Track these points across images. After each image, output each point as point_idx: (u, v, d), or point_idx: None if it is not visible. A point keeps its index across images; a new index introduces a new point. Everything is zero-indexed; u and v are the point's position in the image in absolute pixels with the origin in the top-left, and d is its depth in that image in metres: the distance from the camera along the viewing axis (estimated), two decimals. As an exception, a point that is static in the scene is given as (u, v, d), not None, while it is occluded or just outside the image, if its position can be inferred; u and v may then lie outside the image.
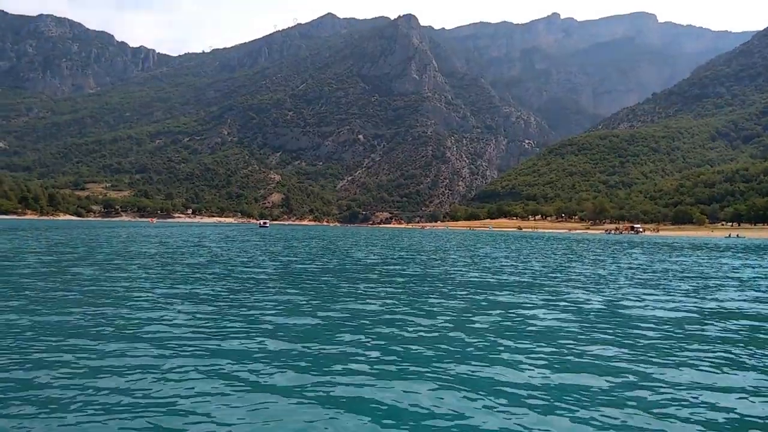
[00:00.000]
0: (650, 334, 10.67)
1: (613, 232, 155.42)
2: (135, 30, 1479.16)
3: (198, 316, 11.58)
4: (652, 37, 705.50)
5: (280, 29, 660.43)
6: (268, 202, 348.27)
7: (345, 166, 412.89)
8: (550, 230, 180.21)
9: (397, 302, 14.09)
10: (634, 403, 6.70)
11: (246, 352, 8.72)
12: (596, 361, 8.57)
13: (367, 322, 11.38)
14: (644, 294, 16.62)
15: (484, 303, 14.30)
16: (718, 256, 41.91)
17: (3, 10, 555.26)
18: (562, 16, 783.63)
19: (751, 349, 9.65)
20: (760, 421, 6.32)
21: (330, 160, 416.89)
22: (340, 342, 9.51)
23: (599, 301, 14.88)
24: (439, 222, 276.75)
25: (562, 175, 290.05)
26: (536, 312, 12.89)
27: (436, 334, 10.31)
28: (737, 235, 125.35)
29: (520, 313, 12.69)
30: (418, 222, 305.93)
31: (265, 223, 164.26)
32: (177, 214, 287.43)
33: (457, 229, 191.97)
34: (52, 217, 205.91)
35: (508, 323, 11.49)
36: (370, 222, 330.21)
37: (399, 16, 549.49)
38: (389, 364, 8.17)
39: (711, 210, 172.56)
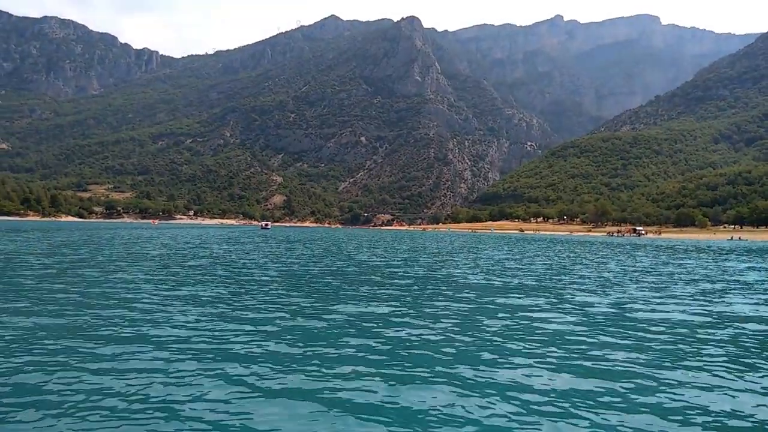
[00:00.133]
0: (661, 337, 10.55)
1: (615, 234, 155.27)
2: (138, 32, 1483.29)
3: (201, 318, 11.53)
4: (655, 39, 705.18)
5: (283, 31, 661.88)
6: (270, 204, 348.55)
7: (347, 167, 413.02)
8: (552, 232, 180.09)
9: (402, 305, 14.02)
10: (648, 408, 6.61)
11: (251, 354, 8.63)
12: (608, 365, 8.46)
13: (373, 325, 11.29)
14: (651, 297, 16.51)
15: (490, 306, 14.22)
16: (723, 258, 41.75)
17: (7, 12, 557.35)
18: (565, 18, 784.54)
19: (765, 353, 9.54)
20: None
21: (332, 162, 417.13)
22: (346, 345, 9.42)
23: (606, 305, 14.78)
24: (440, 224, 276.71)
25: (564, 178, 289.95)
26: (543, 315, 12.79)
27: (444, 337, 10.20)
28: (739, 238, 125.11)
29: (527, 316, 12.59)
30: (419, 224, 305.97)
31: (266, 224, 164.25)
32: (179, 216, 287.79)
33: (458, 231, 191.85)
34: (54, 219, 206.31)
35: (517, 327, 11.37)
36: (372, 224, 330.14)
37: (402, 18, 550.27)
38: (397, 368, 8.07)
39: (713, 212, 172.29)
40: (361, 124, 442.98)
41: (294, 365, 8.10)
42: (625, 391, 7.23)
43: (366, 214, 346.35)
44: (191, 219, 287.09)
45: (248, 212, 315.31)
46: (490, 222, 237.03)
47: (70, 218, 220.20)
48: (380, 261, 31.68)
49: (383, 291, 16.96)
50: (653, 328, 11.47)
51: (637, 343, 10.04)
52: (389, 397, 6.81)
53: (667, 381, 7.71)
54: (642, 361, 8.74)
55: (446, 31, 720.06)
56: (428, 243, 68.43)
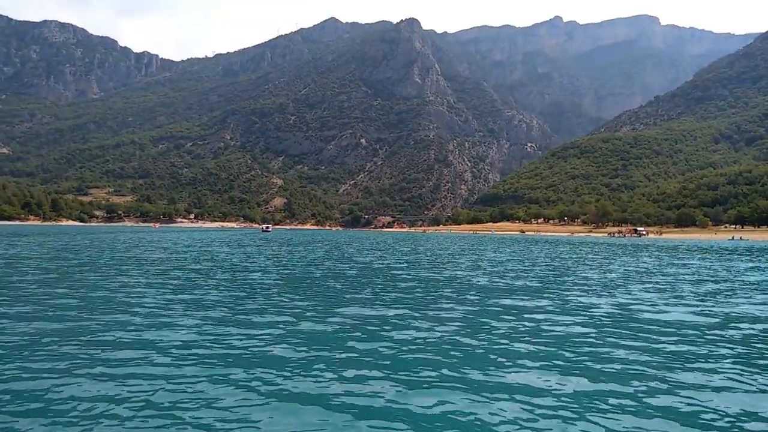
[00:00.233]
0: (670, 339, 10.46)
1: (616, 235, 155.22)
2: (138, 35, 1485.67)
3: (205, 323, 11.46)
4: (654, 39, 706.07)
5: (283, 34, 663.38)
6: (271, 207, 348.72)
7: (347, 170, 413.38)
8: (553, 233, 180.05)
9: (406, 307, 13.94)
10: (662, 411, 6.54)
11: (255, 359, 8.55)
12: (618, 368, 8.37)
13: (378, 328, 11.21)
14: (657, 298, 16.42)
15: (495, 308, 14.13)
16: (726, 258, 41.65)
17: (7, 16, 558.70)
18: (564, 20, 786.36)
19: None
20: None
21: (332, 165, 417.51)
22: (352, 349, 9.32)
23: (612, 306, 14.67)
24: (441, 225, 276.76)
25: (565, 179, 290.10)
26: (550, 317, 12.70)
27: (451, 340, 10.11)
28: (740, 238, 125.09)
29: (533, 318, 12.49)
30: (420, 226, 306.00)
31: (267, 227, 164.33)
32: (179, 219, 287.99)
33: (459, 233, 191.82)
34: (54, 223, 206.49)
35: (524, 329, 11.28)
36: (373, 226, 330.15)
37: (401, 21, 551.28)
38: (405, 372, 7.98)
39: (714, 212, 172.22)
40: (361, 127, 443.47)
41: (300, 369, 8.02)
42: (637, 393, 7.14)
43: (366, 217, 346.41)
44: (192, 222, 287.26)
45: (249, 215, 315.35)
46: (490, 223, 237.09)
47: (71, 222, 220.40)
48: (382, 263, 31.62)
49: (387, 293, 16.90)
50: (662, 330, 11.36)
51: (646, 345, 9.94)
52: (398, 402, 6.71)
53: (679, 383, 7.64)
54: (653, 363, 8.64)
55: (445, 32, 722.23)
56: (429, 245, 68.36)
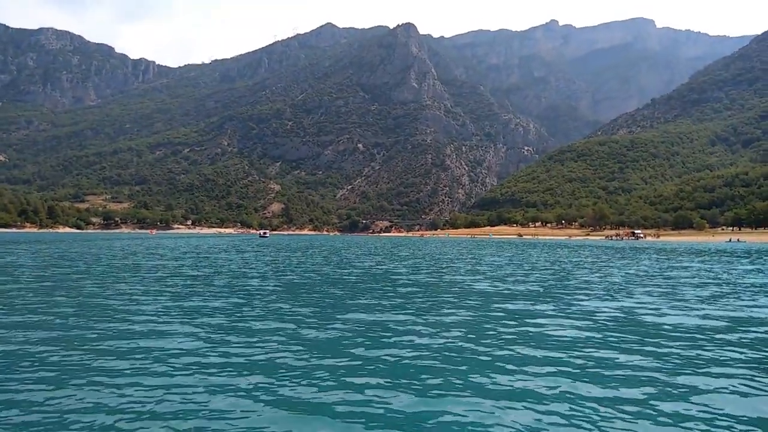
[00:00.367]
0: (678, 343, 10.32)
1: (613, 238, 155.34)
2: (135, 42, 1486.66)
3: (204, 330, 11.30)
4: (650, 42, 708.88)
5: (280, 39, 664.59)
6: (268, 212, 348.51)
7: (345, 175, 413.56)
8: (551, 237, 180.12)
9: (408, 313, 13.79)
10: (675, 416, 6.45)
11: (257, 367, 8.38)
12: (627, 372, 8.24)
13: (380, 334, 11.05)
14: (661, 302, 16.29)
15: (498, 313, 13.98)
16: (726, 261, 41.59)
17: (4, 24, 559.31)
18: (560, 23, 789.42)
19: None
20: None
21: (330, 170, 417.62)
22: (355, 356, 9.17)
23: (616, 310, 14.53)
24: (439, 230, 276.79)
25: (562, 182, 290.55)
26: (553, 321, 12.58)
27: (456, 346, 9.96)
28: (738, 240, 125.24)
29: (537, 323, 12.36)
30: (417, 230, 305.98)
31: (265, 233, 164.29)
32: (177, 226, 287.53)
33: (457, 237, 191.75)
34: (51, 230, 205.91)
35: (528, 334, 11.15)
36: (370, 231, 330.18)
37: (398, 25, 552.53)
38: (412, 379, 7.83)
39: (711, 215, 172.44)
40: (359, 131, 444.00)
41: (304, 377, 7.85)
42: (649, 399, 7.03)
43: (364, 221, 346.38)
44: (189, 228, 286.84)
45: (246, 221, 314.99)
46: (488, 227, 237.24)
47: (68, 229, 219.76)
48: (382, 268, 31.49)
49: (387, 299, 16.76)
50: (668, 334, 11.24)
51: (653, 349, 9.80)
52: (408, 410, 6.58)
53: (690, 388, 7.55)
54: (663, 368, 8.51)
55: (442, 37, 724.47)
56: (428, 249, 68.25)
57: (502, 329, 11.60)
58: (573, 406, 6.74)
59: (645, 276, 26.12)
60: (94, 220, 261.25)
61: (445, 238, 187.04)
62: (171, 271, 26.87)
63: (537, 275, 26.30)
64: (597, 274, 27.06)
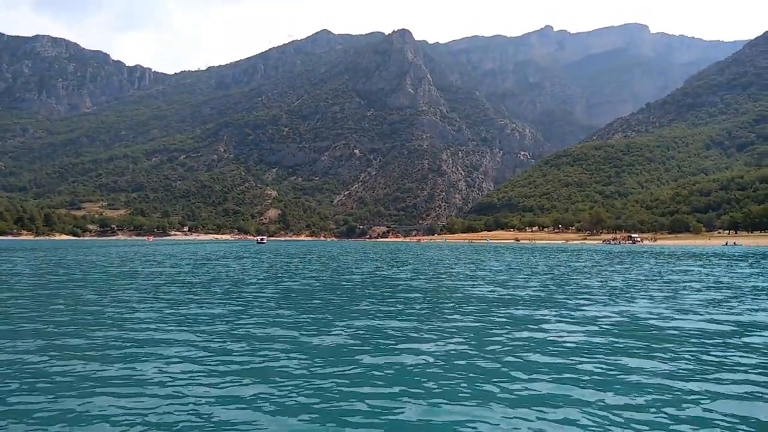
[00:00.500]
0: (685, 348, 10.24)
1: (611, 242, 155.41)
2: (131, 49, 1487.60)
3: (204, 337, 11.17)
4: (644, 47, 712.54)
5: (276, 46, 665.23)
6: (265, 218, 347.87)
7: (341, 180, 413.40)
8: (548, 241, 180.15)
9: (409, 320, 13.67)
10: (688, 421, 6.42)
11: (257, 375, 8.30)
12: (636, 378, 8.16)
13: (383, 341, 10.91)
14: (663, 306, 16.20)
15: (501, 319, 13.86)
16: (725, 264, 41.58)
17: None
18: (555, 29, 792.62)
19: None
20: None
21: (326, 175, 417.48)
22: (360, 363, 9.07)
23: (619, 315, 14.43)
24: (436, 235, 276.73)
25: (558, 186, 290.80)
26: (558, 327, 12.48)
27: (461, 352, 9.86)
28: (734, 243, 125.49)
29: (541, 329, 12.26)
30: (415, 235, 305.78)
31: (262, 239, 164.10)
32: (173, 232, 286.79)
33: (455, 242, 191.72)
34: (48, 238, 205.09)
35: (534, 340, 11.05)
36: (367, 236, 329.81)
37: (393, 32, 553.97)
38: (419, 387, 7.71)
39: (707, 218, 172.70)
40: (355, 137, 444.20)
41: (306, 386, 7.71)
42: (661, 404, 6.97)
43: (361, 227, 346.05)
44: (186, 235, 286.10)
45: (243, 227, 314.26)
46: (485, 232, 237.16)
47: (64, 237, 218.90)
48: (380, 274, 31.38)
49: (388, 306, 16.65)
50: (675, 339, 11.14)
51: (662, 354, 9.72)
52: (416, 418, 6.50)
53: (702, 393, 7.49)
54: (673, 373, 8.43)
55: (437, 43, 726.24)
56: (426, 254, 68.14)
57: (507, 336, 11.49)
58: (585, 414, 6.64)
59: (645, 280, 26.07)
60: (90, 227, 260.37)
61: (443, 243, 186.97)
62: (169, 278, 26.72)
63: (537, 280, 26.22)
64: (597, 279, 27.00)
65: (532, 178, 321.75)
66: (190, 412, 6.69)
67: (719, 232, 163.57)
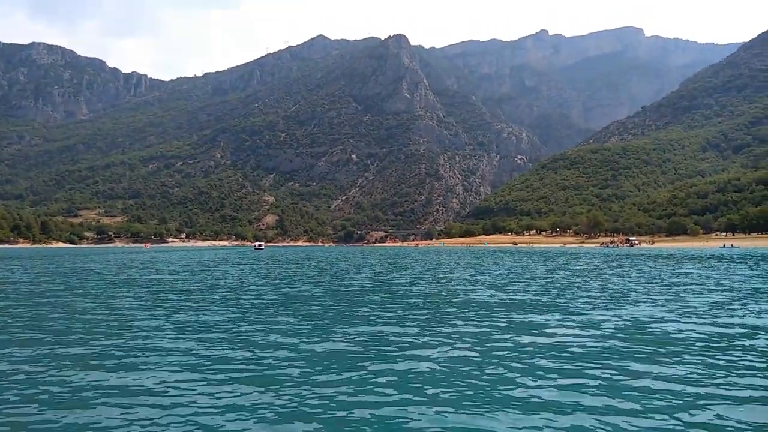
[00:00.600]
0: (692, 352, 10.13)
1: (609, 245, 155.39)
2: (127, 56, 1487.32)
3: (205, 345, 11.01)
4: (639, 50, 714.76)
5: (272, 51, 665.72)
6: (262, 224, 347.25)
7: (339, 186, 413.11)
8: (546, 245, 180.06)
9: (412, 325, 13.52)
10: (701, 427, 6.36)
11: (263, 381, 8.17)
12: (647, 383, 8.04)
13: (386, 347, 10.77)
14: (667, 310, 16.08)
15: (505, 324, 13.72)
16: (725, 266, 41.55)
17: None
18: (550, 33, 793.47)
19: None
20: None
21: (323, 181, 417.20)
22: (363, 370, 8.93)
23: (623, 319, 14.32)
24: (434, 239, 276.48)
25: (555, 190, 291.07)
26: (563, 332, 12.37)
27: (467, 358, 9.73)
28: (732, 245, 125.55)
29: (546, 333, 12.15)
30: (413, 240, 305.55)
31: (260, 245, 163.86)
32: (171, 239, 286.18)
33: (453, 247, 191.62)
34: (44, 245, 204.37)
35: (540, 345, 10.92)
36: (365, 241, 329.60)
37: (389, 37, 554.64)
38: (426, 394, 7.55)
39: (704, 220, 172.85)
40: (352, 142, 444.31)
41: (309, 394, 7.58)
42: (672, 409, 6.88)
43: (359, 232, 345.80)
44: (183, 242, 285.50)
45: (241, 233, 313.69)
46: (483, 236, 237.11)
47: (61, 244, 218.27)
48: (380, 279, 31.24)
49: (389, 311, 16.52)
50: (681, 343, 11.02)
51: (669, 358, 9.61)
52: (425, 426, 6.39)
53: (714, 397, 7.40)
54: (683, 377, 8.32)
55: (433, 47, 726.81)
56: (425, 259, 68.01)
57: (511, 341, 11.37)
58: (597, 420, 6.55)
59: (646, 283, 25.99)
60: (87, 234, 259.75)
61: (441, 247, 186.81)
62: (169, 285, 26.55)
63: (537, 284, 26.12)
64: (598, 282, 26.92)
65: (530, 182, 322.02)
66: (190, 421, 6.57)
67: (716, 235, 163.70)
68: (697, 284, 25.06)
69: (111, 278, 31.59)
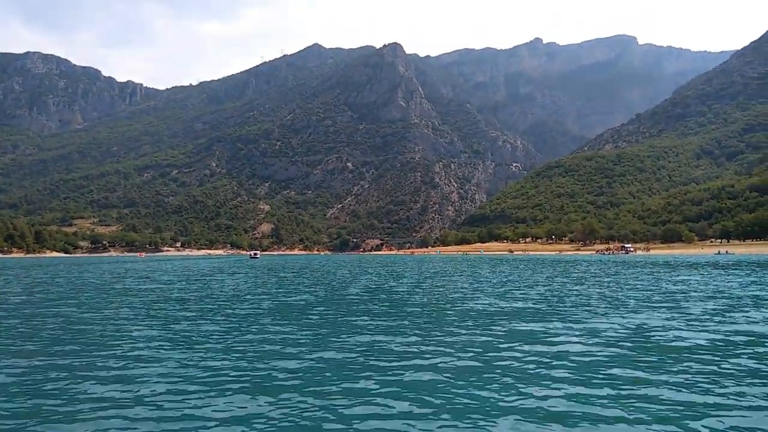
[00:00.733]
0: (696, 359, 10.00)
1: (604, 252, 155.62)
2: (122, 65, 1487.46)
3: (201, 355, 10.84)
4: (633, 58, 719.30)
5: (267, 60, 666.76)
6: (258, 233, 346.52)
7: (334, 194, 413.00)
8: (541, 252, 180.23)
9: (412, 334, 13.35)
10: None
11: (259, 391, 7.99)
12: (654, 392, 7.91)
13: (385, 357, 10.60)
14: (667, 318, 15.96)
15: (505, 333, 13.57)
16: (721, 273, 41.56)
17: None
18: (544, 41, 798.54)
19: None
20: None
21: (319, 189, 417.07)
22: (362, 380, 8.77)
23: (624, 327, 14.20)
24: (430, 247, 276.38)
25: (551, 197, 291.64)
26: (565, 340, 12.25)
27: (468, 368, 9.58)
28: (727, 252, 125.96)
29: (548, 342, 12.01)
30: (408, 248, 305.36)
31: (255, 254, 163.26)
32: (166, 248, 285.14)
33: (448, 254, 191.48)
34: (38, 255, 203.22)
35: (542, 354, 10.77)
36: (361, 249, 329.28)
37: (384, 45, 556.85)
38: (432, 404, 7.41)
39: (699, 227, 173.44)
40: (347, 150, 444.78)
41: (307, 404, 7.45)
42: (681, 417, 6.80)
43: (355, 240, 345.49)
44: (178, 250, 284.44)
45: (236, 242, 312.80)
46: (479, 244, 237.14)
47: (56, 254, 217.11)
48: (378, 287, 31.07)
49: (389, 320, 16.36)
50: (685, 350, 10.91)
51: (675, 366, 9.50)
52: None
53: (723, 405, 7.32)
54: (691, 385, 8.19)
55: (428, 56, 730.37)
56: (422, 267, 67.86)
57: (513, 350, 11.23)
58: (605, 430, 6.48)
59: (645, 290, 25.91)
60: (82, 243, 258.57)
61: (436, 255, 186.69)
62: (164, 295, 26.31)
63: (536, 292, 26.00)
64: (596, 290, 26.82)
65: (525, 190, 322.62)
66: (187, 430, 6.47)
67: (711, 241, 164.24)
68: (695, 291, 25.00)
69: (106, 288, 31.32)
